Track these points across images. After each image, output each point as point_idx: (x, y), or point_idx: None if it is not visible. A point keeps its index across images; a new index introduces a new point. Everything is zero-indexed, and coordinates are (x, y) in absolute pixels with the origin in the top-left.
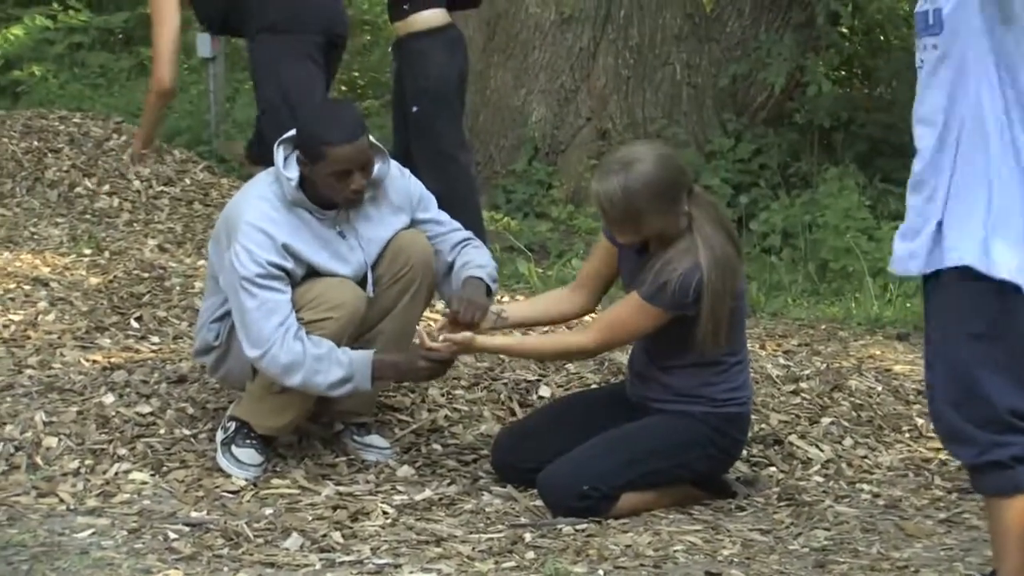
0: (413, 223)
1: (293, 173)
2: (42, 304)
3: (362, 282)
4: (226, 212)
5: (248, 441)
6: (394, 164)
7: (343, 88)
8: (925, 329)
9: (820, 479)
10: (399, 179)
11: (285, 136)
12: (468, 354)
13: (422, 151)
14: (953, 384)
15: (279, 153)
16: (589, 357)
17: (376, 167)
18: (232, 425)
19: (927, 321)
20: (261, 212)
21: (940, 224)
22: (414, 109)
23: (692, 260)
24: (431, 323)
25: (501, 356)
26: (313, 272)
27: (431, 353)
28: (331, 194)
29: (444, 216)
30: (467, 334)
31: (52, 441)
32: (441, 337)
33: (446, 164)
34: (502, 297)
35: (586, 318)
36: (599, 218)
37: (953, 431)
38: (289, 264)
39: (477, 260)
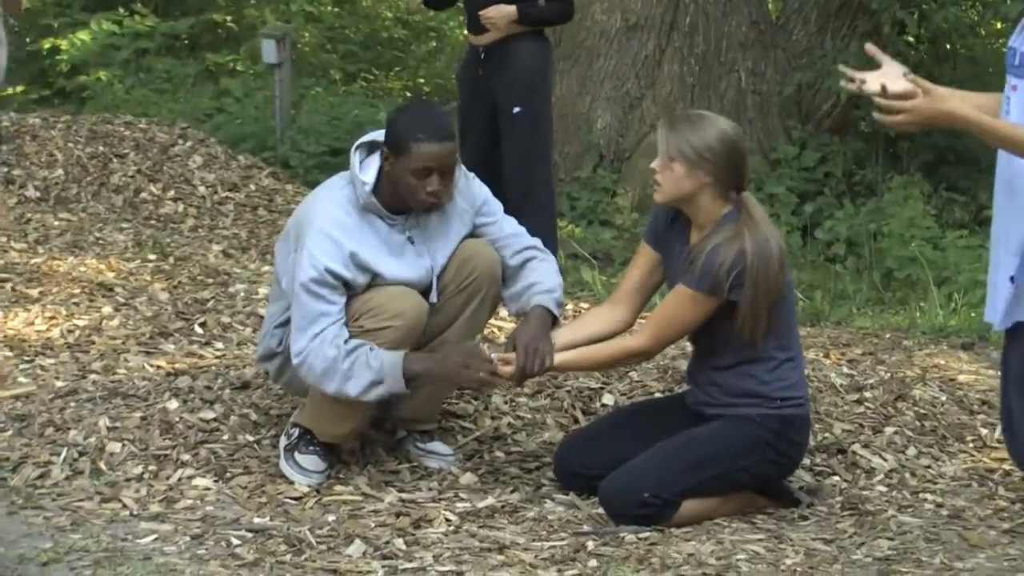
0: (476, 227)
1: (369, 177)
2: (107, 309)
3: (427, 289)
4: (298, 215)
5: (311, 448)
6: (460, 168)
7: (407, 95)
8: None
9: (883, 489)
10: (463, 183)
11: (363, 139)
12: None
13: (518, 154)
14: None
15: (355, 156)
16: (647, 359)
17: None
18: (295, 432)
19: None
20: (332, 217)
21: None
22: (516, 110)
23: (739, 246)
24: (496, 332)
25: None
26: (374, 277)
27: (482, 365)
28: (407, 194)
29: (509, 221)
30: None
31: (116, 447)
32: (496, 356)
33: (538, 168)
34: (566, 304)
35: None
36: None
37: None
38: (350, 275)
39: (545, 282)
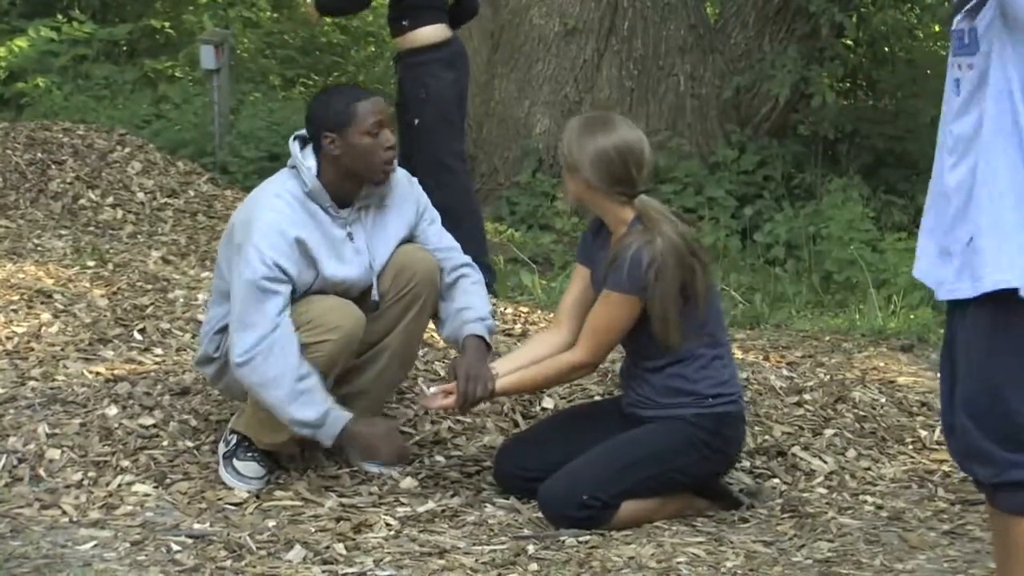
0: (416, 233)
1: (312, 163)
2: (45, 316)
3: (367, 288)
4: (240, 212)
5: (250, 454)
6: (402, 171)
7: None
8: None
9: (823, 491)
10: (406, 185)
11: (298, 133)
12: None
13: (421, 162)
14: (982, 399)
15: (295, 145)
16: (590, 370)
17: None
18: (233, 438)
19: (960, 336)
20: (277, 210)
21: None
22: (415, 121)
23: (644, 240)
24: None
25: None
26: (315, 275)
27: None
28: (367, 159)
29: (447, 234)
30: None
31: (55, 453)
32: (431, 390)
33: (442, 175)
34: (505, 309)
35: None
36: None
37: (972, 448)
38: (295, 270)
39: (476, 308)
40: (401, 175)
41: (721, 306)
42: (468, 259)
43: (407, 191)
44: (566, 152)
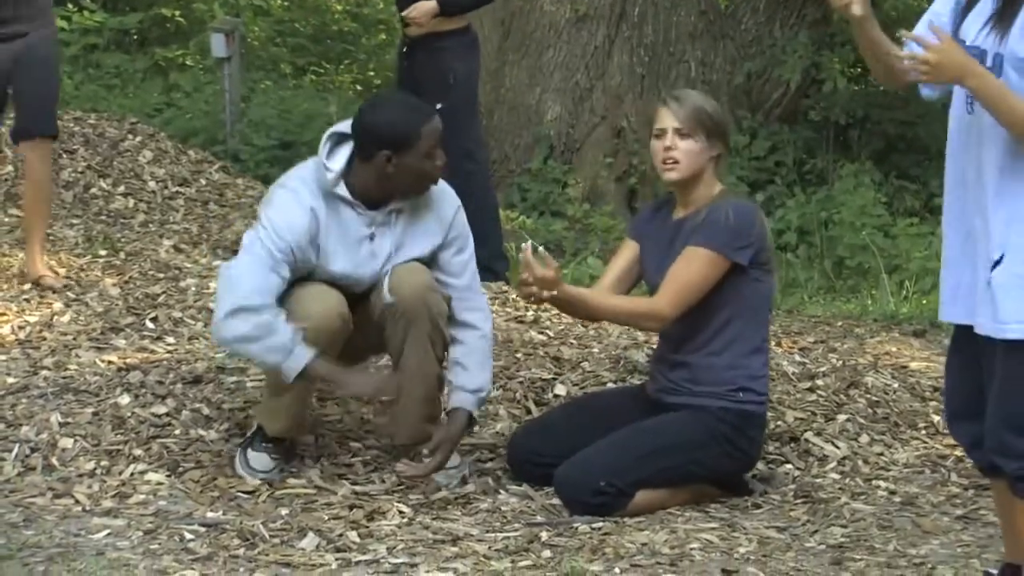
0: (438, 257)
1: (336, 165)
2: (57, 305)
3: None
4: (272, 188)
5: (263, 445)
6: (447, 190)
7: (358, 88)
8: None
9: (836, 476)
10: (444, 204)
11: (334, 129)
12: (549, 294)
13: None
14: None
15: (325, 145)
16: (661, 324)
17: None
18: (255, 425)
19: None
20: (296, 193)
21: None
22: (439, 106)
23: (740, 202)
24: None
25: (517, 354)
26: (316, 260)
27: (528, 278)
28: (421, 179)
29: (470, 271)
30: (552, 273)
31: (68, 442)
32: (542, 250)
33: (465, 161)
34: (517, 296)
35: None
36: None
37: (1004, 446)
38: (298, 254)
39: (472, 375)
40: (444, 194)
41: (770, 301)
42: (482, 304)
43: (444, 210)
44: (702, 116)
